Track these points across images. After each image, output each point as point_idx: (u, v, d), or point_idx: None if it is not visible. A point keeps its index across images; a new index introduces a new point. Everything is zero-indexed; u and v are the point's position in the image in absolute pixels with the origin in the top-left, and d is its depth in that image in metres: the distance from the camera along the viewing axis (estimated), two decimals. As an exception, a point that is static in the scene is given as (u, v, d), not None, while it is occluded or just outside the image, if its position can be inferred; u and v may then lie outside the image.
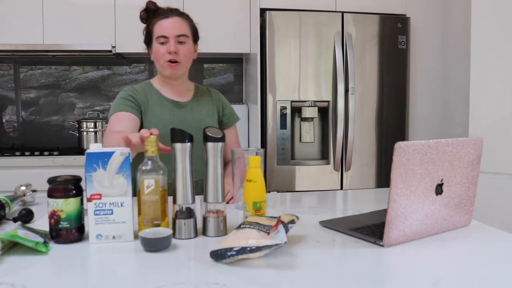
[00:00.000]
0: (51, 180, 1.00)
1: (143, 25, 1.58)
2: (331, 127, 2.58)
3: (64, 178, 1.01)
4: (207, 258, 0.89)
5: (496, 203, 2.35)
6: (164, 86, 1.59)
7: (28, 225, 1.15)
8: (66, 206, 0.99)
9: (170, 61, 1.49)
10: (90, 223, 1.00)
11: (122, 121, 1.46)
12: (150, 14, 1.54)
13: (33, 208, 1.23)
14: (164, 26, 1.49)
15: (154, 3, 1.54)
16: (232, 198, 1.39)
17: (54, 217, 0.99)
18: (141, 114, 1.52)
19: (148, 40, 1.56)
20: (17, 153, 2.66)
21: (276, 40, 2.51)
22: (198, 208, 1.12)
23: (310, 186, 2.58)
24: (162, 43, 1.49)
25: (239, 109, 2.14)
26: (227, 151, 1.65)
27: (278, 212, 1.25)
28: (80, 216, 1.01)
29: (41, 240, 0.95)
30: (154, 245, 0.95)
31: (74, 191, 1.00)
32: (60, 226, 0.99)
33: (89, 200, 1.00)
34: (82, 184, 1.02)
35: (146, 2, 1.54)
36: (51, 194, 0.99)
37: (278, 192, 2.52)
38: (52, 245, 0.99)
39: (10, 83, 3.09)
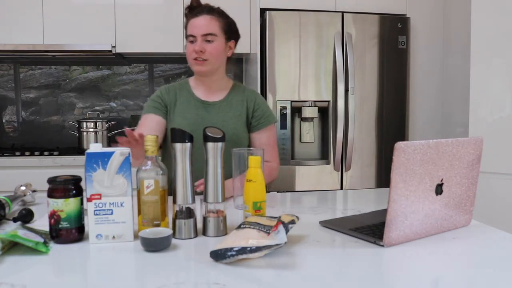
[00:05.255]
0: (51, 180, 1.00)
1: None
2: (331, 127, 2.58)
3: (64, 178, 1.01)
4: (207, 258, 0.89)
5: (496, 203, 2.35)
6: (198, 85, 1.64)
7: (28, 225, 1.14)
8: (66, 206, 0.99)
9: (196, 59, 1.53)
10: (90, 223, 1.00)
11: (143, 125, 1.57)
12: (190, 12, 1.57)
13: (33, 208, 1.23)
14: (193, 25, 1.53)
15: (197, 1, 1.58)
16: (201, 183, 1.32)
17: (54, 217, 0.99)
18: (167, 114, 1.59)
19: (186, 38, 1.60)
20: (17, 153, 2.65)
21: (276, 40, 2.51)
22: (198, 208, 1.12)
23: (310, 186, 2.57)
24: (192, 42, 1.54)
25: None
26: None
27: (278, 212, 1.25)
28: (80, 216, 1.01)
29: (41, 240, 0.95)
30: (154, 245, 0.95)
31: (74, 191, 1.00)
32: (60, 226, 0.99)
33: (89, 200, 1.00)
34: (82, 184, 1.02)
35: None
36: (51, 194, 0.99)
37: (278, 192, 2.51)
38: (52, 245, 0.99)
39: (10, 83, 3.09)
